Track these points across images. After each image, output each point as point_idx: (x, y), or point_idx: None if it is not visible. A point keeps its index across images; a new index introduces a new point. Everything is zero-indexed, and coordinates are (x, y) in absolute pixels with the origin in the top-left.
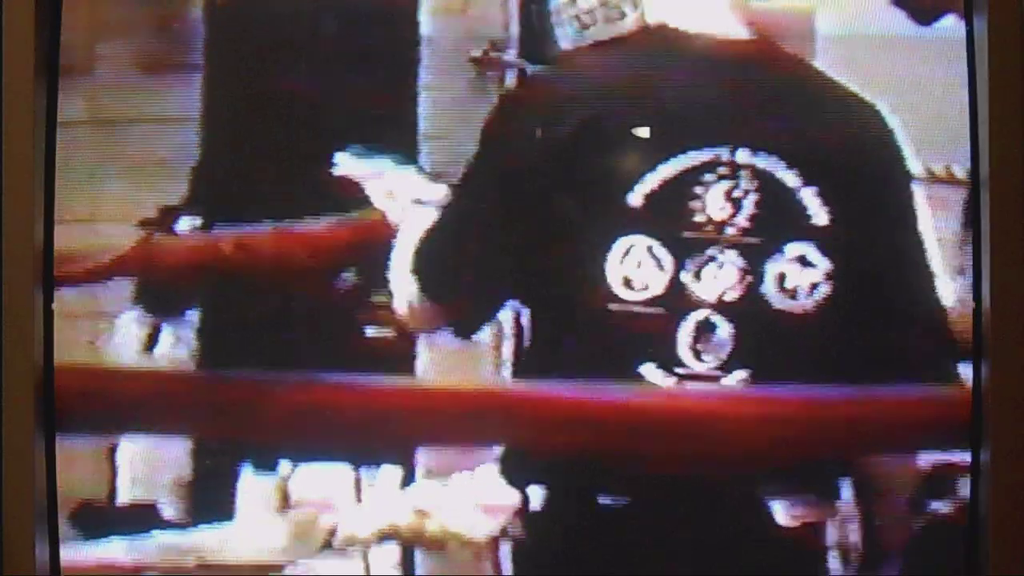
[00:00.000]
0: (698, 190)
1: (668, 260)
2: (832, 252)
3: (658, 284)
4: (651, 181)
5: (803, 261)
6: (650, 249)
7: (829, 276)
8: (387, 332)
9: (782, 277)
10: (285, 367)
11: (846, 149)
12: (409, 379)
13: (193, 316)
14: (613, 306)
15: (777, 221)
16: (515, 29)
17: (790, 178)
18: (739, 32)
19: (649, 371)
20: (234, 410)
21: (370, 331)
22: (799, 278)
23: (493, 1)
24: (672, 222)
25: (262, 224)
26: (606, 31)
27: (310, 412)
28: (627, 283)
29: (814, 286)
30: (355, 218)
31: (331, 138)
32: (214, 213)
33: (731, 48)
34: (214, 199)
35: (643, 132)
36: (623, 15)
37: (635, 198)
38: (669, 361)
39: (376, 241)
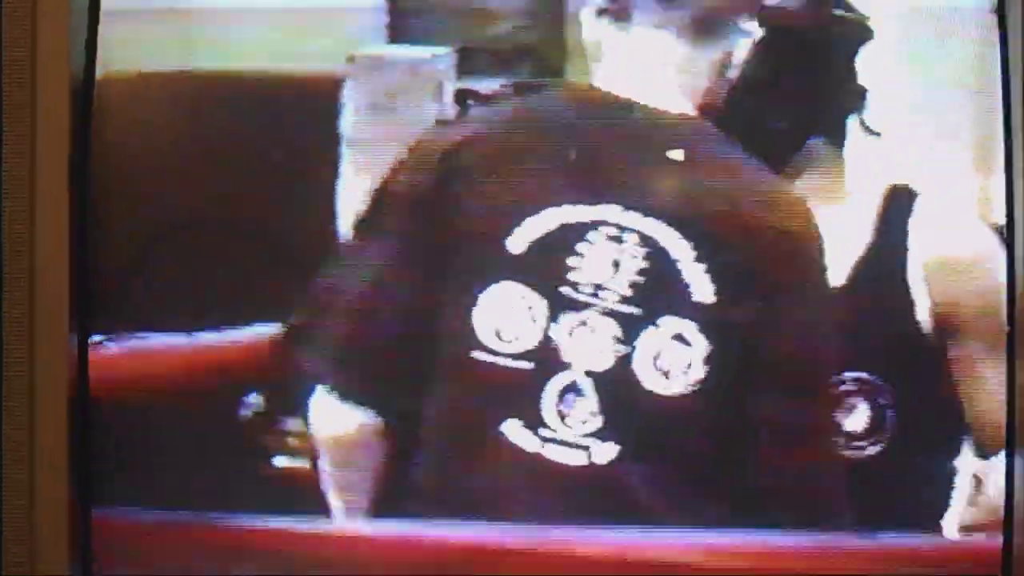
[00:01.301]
0: (581, 247)
1: (541, 314)
2: (712, 333)
3: (528, 338)
4: (535, 228)
5: (680, 339)
6: (524, 299)
7: (707, 360)
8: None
9: (657, 353)
10: (183, 505)
11: (751, 233)
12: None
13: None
14: (478, 354)
15: (658, 292)
16: None
17: (680, 249)
18: (676, 105)
19: (512, 429)
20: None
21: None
22: (674, 357)
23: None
24: (550, 275)
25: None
26: None
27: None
28: (496, 333)
29: (688, 367)
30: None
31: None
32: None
33: (656, 115)
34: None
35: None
36: None
37: (516, 243)
38: (534, 421)
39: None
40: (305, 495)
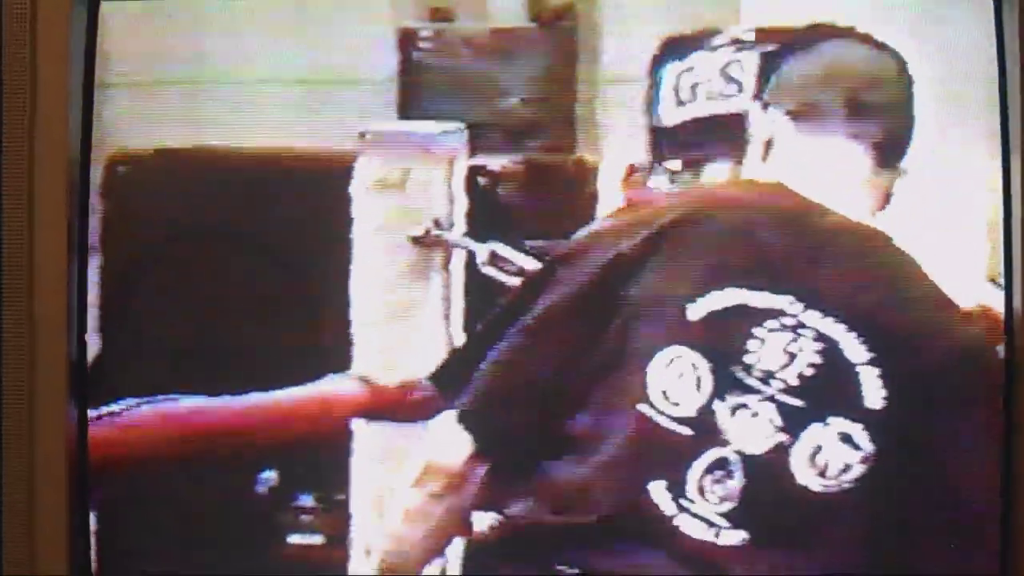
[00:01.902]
0: (759, 332)
1: (708, 385)
2: (878, 438)
3: (690, 405)
4: (716, 301)
5: (847, 440)
6: (694, 366)
7: (866, 461)
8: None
9: (817, 449)
10: None
11: (927, 341)
12: None
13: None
14: (644, 408)
15: (829, 390)
16: (460, 204)
17: (855, 352)
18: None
19: (657, 490)
20: None
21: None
22: (834, 455)
23: (436, 172)
24: (724, 351)
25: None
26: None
27: None
28: (663, 393)
29: (847, 467)
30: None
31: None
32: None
33: (844, 223)
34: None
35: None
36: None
37: (696, 311)
38: (678, 487)
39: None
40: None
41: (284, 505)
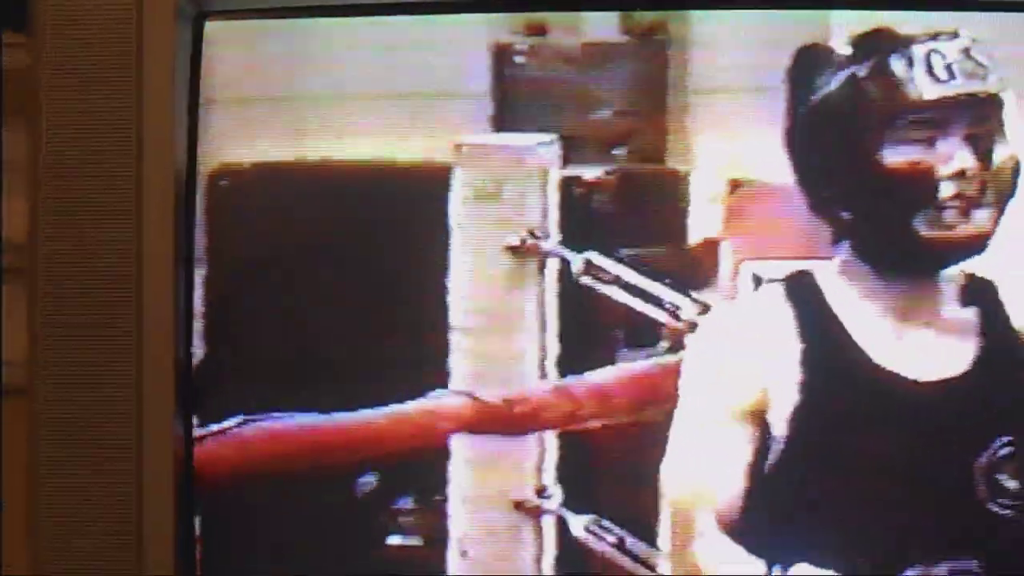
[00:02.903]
0: None
1: None
2: None
3: None
4: None
5: None
6: None
7: None
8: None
9: None
10: None
11: None
12: None
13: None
14: None
15: None
16: (555, 214)
17: None
18: None
19: None
20: None
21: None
22: None
23: (530, 183)
24: None
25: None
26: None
27: None
28: None
29: None
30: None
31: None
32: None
33: None
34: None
35: None
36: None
37: None
38: None
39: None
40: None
41: (384, 507)
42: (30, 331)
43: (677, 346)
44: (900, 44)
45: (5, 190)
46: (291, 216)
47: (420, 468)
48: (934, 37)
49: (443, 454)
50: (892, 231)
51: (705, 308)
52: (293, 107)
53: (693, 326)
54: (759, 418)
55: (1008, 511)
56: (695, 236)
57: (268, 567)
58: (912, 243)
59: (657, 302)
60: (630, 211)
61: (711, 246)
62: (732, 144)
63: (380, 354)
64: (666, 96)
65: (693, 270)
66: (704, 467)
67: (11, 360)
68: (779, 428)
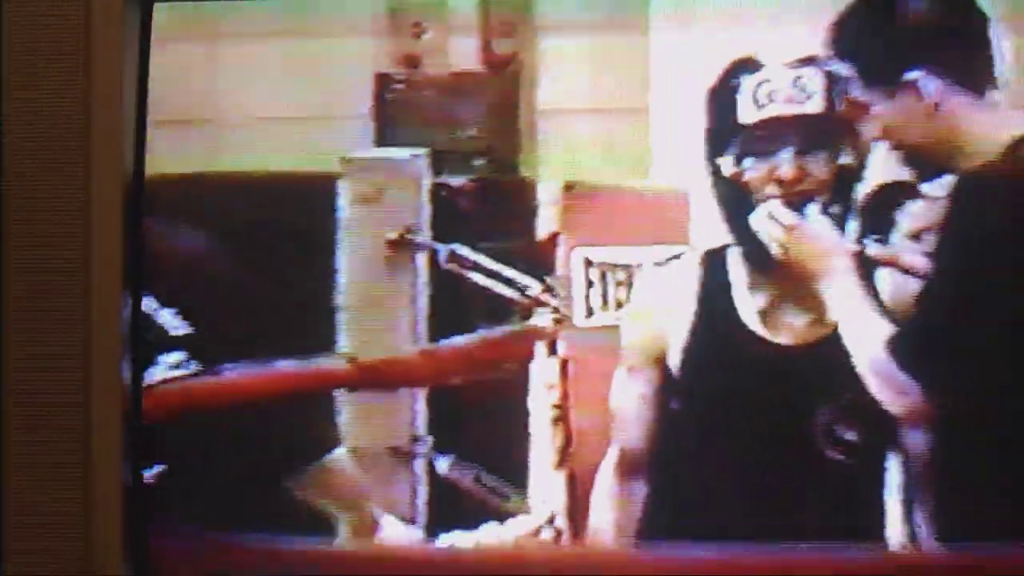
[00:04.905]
0: None
1: None
2: None
3: None
4: None
5: None
6: None
7: None
8: None
9: None
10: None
11: None
12: None
13: None
14: None
15: None
16: (426, 214)
17: None
18: None
19: None
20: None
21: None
22: None
23: (406, 189)
24: None
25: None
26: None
27: None
28: None
29: None
30: None
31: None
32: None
33: None
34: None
35: None
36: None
37: None
38: None
39: None
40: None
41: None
42: None
43: (526, 316)
44: (742, 71)
45: None
46: (215, 216)
47: (314, 416)
48: (759, 68)
49: (331, 407)
50: (733, 225)
51: (548, 288)
52: (213, 128)
53: (539, 302)
54: (661, 364)
55: (841, 456)
56: (540, 230)
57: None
58: (750, 235)
59: (509, 283)
60: (488, 211)
61: (552, 238)
62: (572, 155)
63: (284, 324)
64: (518, 117)
65: (538, 257)
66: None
67: None
68: (675, 374)
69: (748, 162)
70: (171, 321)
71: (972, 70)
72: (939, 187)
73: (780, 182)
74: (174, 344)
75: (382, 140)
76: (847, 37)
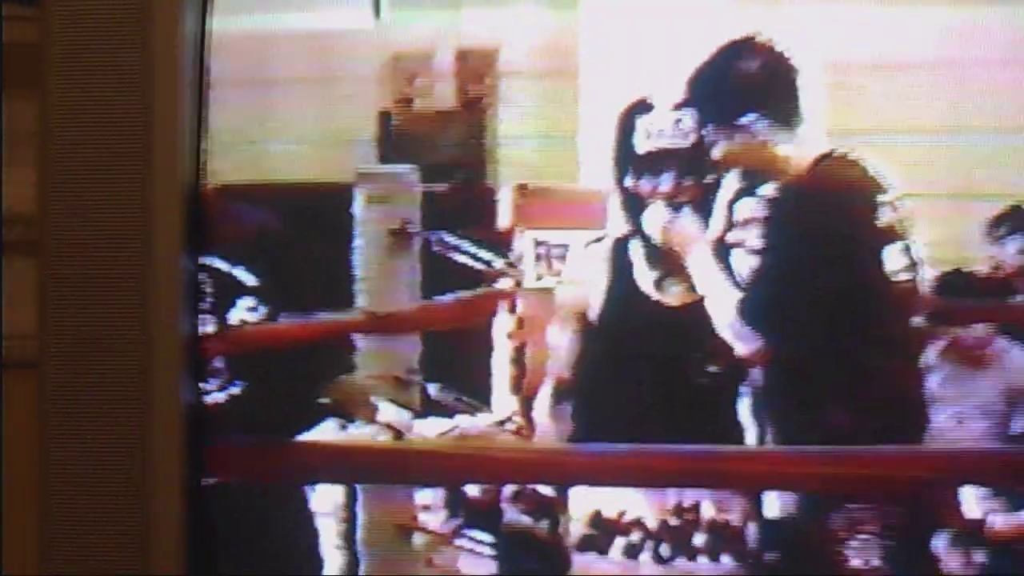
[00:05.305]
0: None
1: None
2: None
3: None
4: None
5: None
6: None
7: None
8: None
9: None
10: None
11: None
12: None
13: None
14: None
15: None
16: (418, 212)
17: None
18: None
19: None
20: None
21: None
22: None
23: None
24: None
25: None
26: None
27: None
28: None
29: None
30: None
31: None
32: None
33: None
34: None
35: None
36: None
37: None
38: None
39: None
40: None
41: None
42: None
43: (492, 283)
44: (639, 111)
45: (6, 161)
46: (268, 211)
47: (340, 352)
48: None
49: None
50: (633, 220)
51: (508, 262)
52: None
53: (501, 272)
54: (585, 317)
55: (707, 381)
56: (501, 221)
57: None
58: (643, 228)
59: (479, 259)
60: (463, 208)
61: (510, 226)
62: (523, 167)
63: (321, 288)
64: (484, 140)
65: (500, 240)
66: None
67: (11, 334)
68: (595, 324)
69: (641, 179)
70: (244, 275)
71: (788, 112)
72: (768, 191)
73: (663, 193)
74: (247, 292)
75: (385, 158)
76: (701, 89)
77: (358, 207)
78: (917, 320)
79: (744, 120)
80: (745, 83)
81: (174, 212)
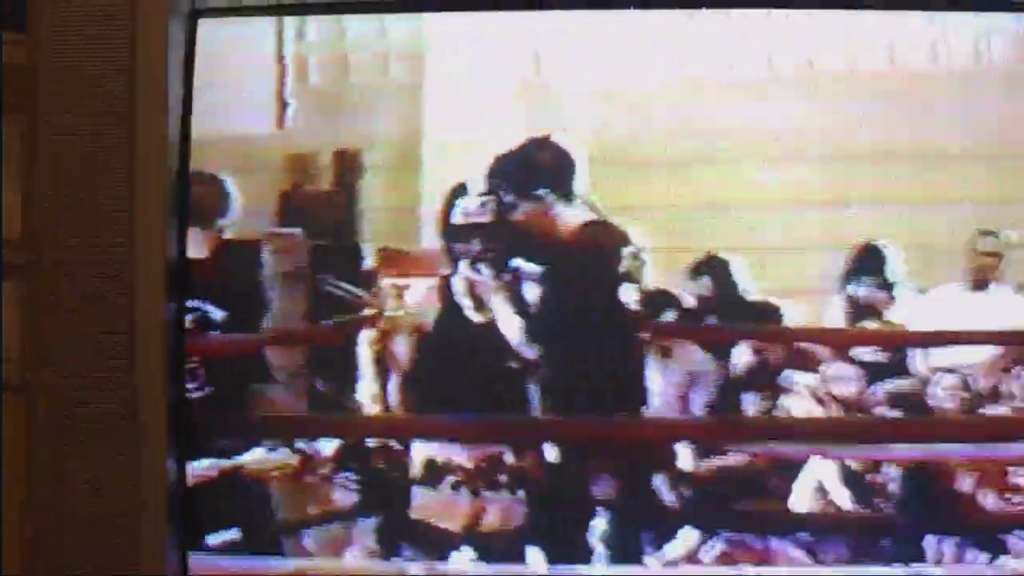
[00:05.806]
0: None
1: None
2: None
3: None
4: None
5: None
6: None
7: None
8: None
9: None
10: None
11: None
12: None
13: None
14: None
15: None
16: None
17: None
18: None
19: None
20: None
21: None
22: None
23: None
24: None
25: None
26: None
27: None
28: None
29: None
30: None
31: None
32: None
33: None
34: None
35: None
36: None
37: None
38: None
39: None
40: None
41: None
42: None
43: (359, 311)
44: (458, 194)
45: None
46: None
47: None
48: (466, 193)
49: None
50: (453, 268)
51: (373, 297)
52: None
53: (367, 304)
54: (420, 331)
55: (505, 371)
56: (367, 268)
57: None
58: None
59: (351, 293)
60: (341, 259)
61: (375, 272)
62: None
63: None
64: (354, 212)
65: (366, 281)
66: None
67: (7, 357)
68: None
69: (457, 243)
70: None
71: (567, 189)
72: (542, 250)
73: (473, 253)
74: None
75: (284, 224)
76: (508, 169)
77: (265, 256)
78: (639, 333)
79: (538, 192)
80: (540, 167)
81: (157, 241)
